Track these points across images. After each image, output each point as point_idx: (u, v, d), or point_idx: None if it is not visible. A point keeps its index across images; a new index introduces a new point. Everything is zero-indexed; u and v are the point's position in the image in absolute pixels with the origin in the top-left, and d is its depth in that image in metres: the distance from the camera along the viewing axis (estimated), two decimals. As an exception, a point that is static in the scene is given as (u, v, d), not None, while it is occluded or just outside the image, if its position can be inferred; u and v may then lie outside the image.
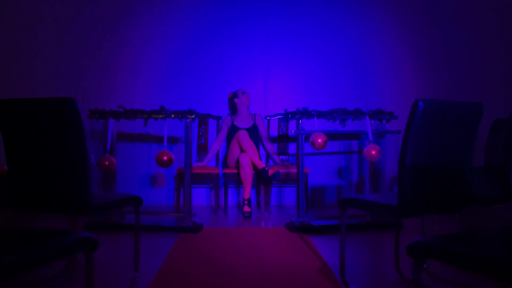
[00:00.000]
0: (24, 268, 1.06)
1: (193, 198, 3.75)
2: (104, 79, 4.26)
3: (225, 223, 3.45)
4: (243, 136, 3.70)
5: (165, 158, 2.99)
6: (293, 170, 3.69)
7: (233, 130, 3.98)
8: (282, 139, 4.20)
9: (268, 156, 4.17)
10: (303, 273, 2.09)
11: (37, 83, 4.07)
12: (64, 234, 1.26)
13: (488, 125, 3.36)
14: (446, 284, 1.93)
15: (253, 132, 3.99)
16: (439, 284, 1.93)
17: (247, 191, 3.69)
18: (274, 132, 4.26)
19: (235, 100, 4.09)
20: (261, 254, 2.43)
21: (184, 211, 3.08)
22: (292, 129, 4.16)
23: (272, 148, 4.11)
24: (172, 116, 3.08)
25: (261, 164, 3.65)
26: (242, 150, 3.74)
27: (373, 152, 2.98)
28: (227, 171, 3.80)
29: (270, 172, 3.59)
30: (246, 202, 3.67)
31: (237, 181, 3.82)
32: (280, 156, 4.13)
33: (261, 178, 3.65)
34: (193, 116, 3.08)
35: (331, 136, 4.03)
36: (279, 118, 4.21)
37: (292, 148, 4.21)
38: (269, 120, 4.22)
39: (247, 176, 3.64)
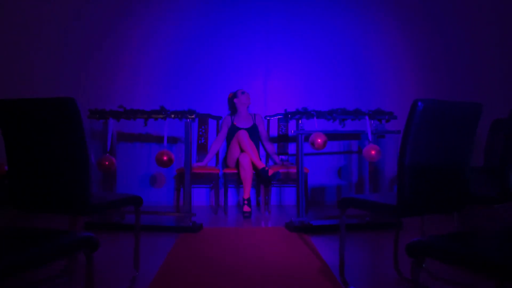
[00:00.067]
0: (25, 267, 1.06)
1: (193, 198, 3.75)
2: (104, 79, 4.27)
3: (225, 223, 3.46)
4: (243, 136, 3.70)
5: (165, 158, 3.00)
6: (293, 170, 3.69)
7: (233, 130, 3.98)
8: (282, 139, 4.20)
9: (268, 156, 4.18)
10: (302, 273, 2.10)
11: (37, 83, 4.08)
12: (65, 234, 1.26)
13: (488, 125, 3.36)
14: (445, 284, 1.93)
15: (253, 132, 4.00)
16: (438, 284, 1.93)
17: (247, 191, 3.69)
18: (274, 132, 4.26)
19: (235, 100, 4.09)
20: (261, 254, 2.44)
21: (184, 211, 3.08)
22: (292, 129, 4.16)
23: (272, 148, 4.11)
24: (172, 116, 3.09)
25: (261, 164, 3.65)
26: (242, 150, 3.74)
27: (373, 152, 2.98)
28: (227, 171, 3.80)
29: (270, 172, 3.60)
30: (246, 202, 3.67)
31: (237, 181, 3.82)
32: (280, 156, 4.14)
33: (261, 178, 3.65)
34: (193, 116, 3.09)
35: (331, 136, 4.03)
36: (279, 118, 4.22)
37: (291, 148, 4.22)
38: (269, 120, 4.22)
39: (247, 176, 3.65)
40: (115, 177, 3.45)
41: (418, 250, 1.20)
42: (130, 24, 4.34)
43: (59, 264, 1.99)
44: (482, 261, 1.05)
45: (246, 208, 3.64)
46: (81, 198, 1.58)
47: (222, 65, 4.40)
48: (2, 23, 4.01)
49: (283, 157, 4.15)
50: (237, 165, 3.74)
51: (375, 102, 3.96)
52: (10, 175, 1.62)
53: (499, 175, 2.03)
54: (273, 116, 4.23)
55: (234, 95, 4.12)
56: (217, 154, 4.14)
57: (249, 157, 3.65)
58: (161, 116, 3.09)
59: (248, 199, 3.69)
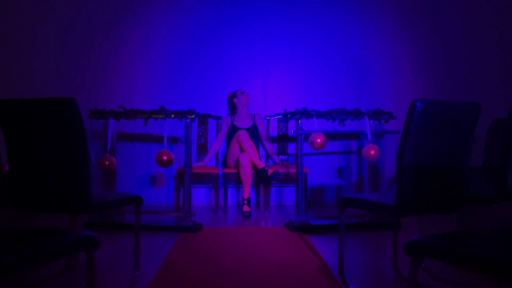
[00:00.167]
0: (27, 266, 1.07)
1: (193, 198, 3.76)
2: (104, 79, 4.28)
3: (225, 222, 3.47)
4: (243, 136, 3.71)
5: (165, 158, 3.00)
6: (293, 170, 3.70)
7: (232, 130, 3.99)
8: (282, 139, 4.21)
9: (267, 156, 4.19)
10: (302, 272, 2.11)
11: (37, 83, 4.08)
12: (66, 233, 1.27)
13: (487, 125, 3.37)
14: (444, 283, 1.94)
15: (253, 132, 4.00)
16: (437, 283, 1.94)
17: (247, 191, 3.70)
18: (273, 132, 4.27)
19: (234, 100, 4.10)
20: (260, 254, 2.44)
21: (184, 211, 3.09)
22: (291, 129, 4.17)
23: (271, 148, 4.12)
24: (172, 116, 3.09)
25: (260, 164, 3.66)
26: (242, 150, 3.75)
27: (372, 152, 2.99)
28: (226, 171, 3.81)
29: (270, 172, 3.60)
30: (245, 201, 3.68)
31: (237, 181, 3.83)
32: (280, 156, 4.15)
33: (260, 178, 3.66)
34: (193, 116, 3.09)
35: (330, 136, 4.04)
36: (278, 118, 4.23)
37: (291, 148, 4.23)
38: (268, 120, 4.23)
39: (247, 176, 3.65)
40: (115, 177, 3.46)
41: (416, 249, 1.21)
42: (130, 24, 4.35)
43: (60, 264, 2.00)
44: (481, 261, 1.06)
45: (246, 208, 3.65)
46: (82, 198, 1.58)
47: (222, 65, 4.41)
48: (2, 23, 4.02)
49: (282, 157, 4.16)
50: (237, 165, 3.74)
51: (374, 102, 3.97)
52: (11, 175, 1.63)
53: (498, 175, 2.04)
54: (273, 116, 4.24)
55: (234, 95, 4.12)
56: (217, 154, 4.15)
57: (249, 157, 3.66)
58: (161, 116, 3.10)
59: (248, 199, 3.69)
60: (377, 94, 4.40)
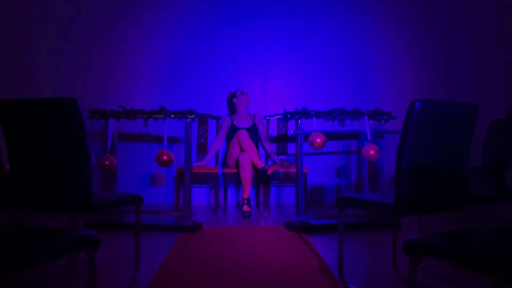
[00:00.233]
0: (28, 265, 1.08)
1: (193, 198, 3.77)
2: (104, 79, 4.28)
3: (225, 222, 3.47)
4: (243, 136, 3.72)
5: (165, 157, 3.01)
6: (292, 169, 3.71)
7: (232, 130, 4.00)
8: (281, 139, 4.22)
9: (267, 156, 4.19)
10: (302, 272, 2.11)
11: (37, 83, 4.09)
12: (67, 232, 1.27)
13: (487, 125, 3.38)
14: (443, 282, 1.95)
15: (253, 132, 4.01)
16: (436, 282, 1.95)
17: (247, 191, 3.70)
18: (273, 132, 4.28)
19: (234, 100, 4.11)
20: (260, 253, 2.45)
21: (184, 211, 3.10)
22: (291, 129, 4.18)
23: (271, 148, 4.13)
24: (172, 116, 3.10)
25: (260, 164, 3.67)
26: (242, 150, 3.75)
27: (372, 152, 3.00)
28: (226, 170, 3.81)
29: (270, 171, 3.61)
30: (245, 201, 3.69)
31: (237, 181, 3.83)
32: (280, 156, 4.15)
33: (260, 177, 3.66)
34: (193, 116, 3.10)
35: (330, 136, 4.05)
36: (278, 118, 4.23)
37: (291, 148, 4.23)
38: (268, 120, 4.24)
39: (247, 175, 3.66)
40: (115, 176, 3.47)
41: (415, 248, 1.22)
42: (130, 24, 4.35)
43: (60, 264, 2.01)
44: (480, 260, 1.06)
45: (245, 208, 3.66)
46: (82, 198, 1.59)
47: (222, 65, 4.42)
48: (2, 23, 4.02)
49: (282, 157, 4.16)
50: (237, 164, 3.75)
51: (374, 102, 3.97)
52: (12, 174, 1.63)
53: (497, 175, 2.05)
54: (273, 116, 4.25)
55: (234, 95, 4.13)
56: (217, 154, 4.15)
57: (249, 157, 3.67)
58: (161, 116, 3.11)
59: (248, 199, 3.70)
60: (377, 94, 4.40)
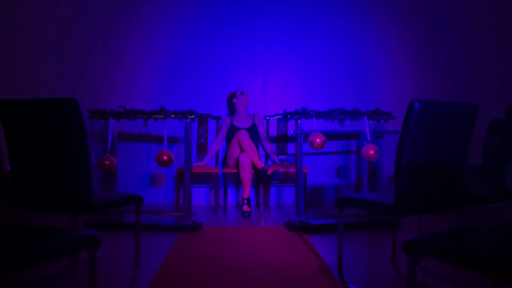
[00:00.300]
0: (30, 265, 1.08)
1: (193, 198, 3.77)
2: (105, 79, 4.29)
3: (225, 222, 3.48)
4: (243, 136, 3.72)
5: (165, 157, 3.02)
6: (292, 169, 3.71)
7: (232, 130, 4.00)
8: (281, 139, 4.22)
9: (267, 156, 4.20)
10: (301, 272, 2.12)
11: (37, 83, 4.09)
12: (68, 232, 1.28)
13: (486, 125, 3.39)
14: (442, 282, 1.95)
15: (253, 132, 4.01)
16: (435, 282, 1.95)
17: (247, 191, 3.71)
18: (273, 132, 4.28)
19: (234, 100, 4.11)
20: (260, 253, 2.46)
21: (184, 210, 3.10)
22: (291, 129, 4.18)
23: (271, 148, 4.13)
24: (172, 116, 3.11)
25: (260, 164, 3.67)
26: (242, 150, 3.76)
27: (371, 152, 3.00)
28: (226, 170, 3.82)
29: (270, 171, 3.62)
30: (245, 201, 3.69)
31: (237, 181, 3.84)
32: (279, 156, 4.16)
33: (260, 177, 3.67)
34: (193, 116, 3.11)
35: (330, 136, 4.06)
36: (278, 118, 4.24)
37: (291, 148, 4.24)
38: (268, 120, 4.24)
39: (247, 175, 3.67)
40: (115, 176, 3.47)
41: (414, 248, 1.22)
42: (130, 24, 4.36)
43: (60, 264, 2.01)
44: (478, 259, 1.07)
45: (245, 208, 3.66)
46: (82, 198, 1.60)
47: (222, 65, 4.42)
48: (3, 23, 4.03)
49: (282, 157, 4.17)
50: (237, 164, 3.76)
51: (374, 102, 3.98)
52: (13, 174, 1.64)
53: (496, 175, 2.05)
54: (273, 116, 4.25)
55: (233, 95, 4.14)
56: (216, 154, 4.16)
57: (249, 157, 3.67)
58: (161, 116, 3.11)
59: (248, 199, 3.70)
60: (377, 94, 4.41)
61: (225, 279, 2.00)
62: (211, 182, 4.13)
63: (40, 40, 4.15)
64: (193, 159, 4.02)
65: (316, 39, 4.48)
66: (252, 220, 3.53)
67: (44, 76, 4.13)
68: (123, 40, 4.35)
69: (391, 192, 1.79)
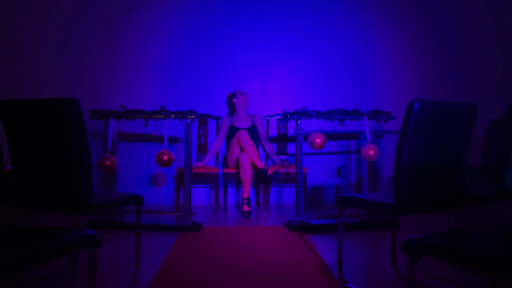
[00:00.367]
0: (30, 265, 1.08)
1: (193, 198, 3.77)
2: (105, 80, 4.29)
3: (225, 222, 3.48)
4: (243, 136, 3.73)
5: (165, 157, 3.02)
6: (292, 169, 3.72)
7: (232, 130, 4.00)
8: (281, 139, 4.22)
9: (267, 156, 4.20)
10: (301, 272, 2.12)
11: (37, 84, 4.09)
12: (68, 232, 1.28)
13: (486, 125, 3.39)
14: (441, 282, 1.95)
15: (253, 132, 4.02)
16: (435, 282, 1.95)
17: (247, 191, 3.71)
18: (273, 132, 4.29)
19: (234, 100, 4.11)
20: (260, 253, 2.46)
21: (184, 210, 3.11)
22: (291, 129, 4.19)
23: (271, 148, 4.13)
24: (172, 116, 3.11)
25: (260, 164, 3.68)
26: (242, 150, 3.76)
27: (371, 152, 3.00)
28: (226, 170, 3.82)
29: (270, 171, 3.62)
30: (245, 201, 3.70)
31: (237, 181, 3.84)
32: (279, 156, 4.16)
33: (260, 177, 3.67)
34: (193, 116, 3.11)
35: (330, 136, 4.06)
36: (278, 118, 4.24)
37: (291, 148, 4.24)
38: (268, 120, 4.25)
39: (247, 175, 3.67)
40: (115, 176, 3.47)
41: (413, 247, 1.22)
42: (130, 24, 4.36)
43: (60, 263, 2.01)
44: (478, 259, 1.07)
45: (245, 208, 3.67)
46: (83, 198, 1.60)
47: (222, 65, 4.42)
48: (3, 23, 4.03)
49: (282, 157, 4.17)
50: (237, 164, 3.76)
51: (373, 103, 3.98)
52: (13, 174, 1.64)
53: (496, 175, 2.05)
54: (273, 116, 4.25)
55: (233, 95, 4.14)
56: (216, 154, 4.16)
57: (249, 157, 3.68)
58: (161, 116, 3.12)
59: (248, 199, 3.71)
60: (376, 94, 4.41)
61: (225, 279, 2.00)
62: (211, 182, 4.14)
63: (40, 40, 4.15)
64: (193, 159, 4.02)
65: (316, 39, 4.48)
66: (252, 220, 3.53)
67: (44, 76, 4.13)
68: (123, 40, 4.35)
69: (391, 192, 1.80)
